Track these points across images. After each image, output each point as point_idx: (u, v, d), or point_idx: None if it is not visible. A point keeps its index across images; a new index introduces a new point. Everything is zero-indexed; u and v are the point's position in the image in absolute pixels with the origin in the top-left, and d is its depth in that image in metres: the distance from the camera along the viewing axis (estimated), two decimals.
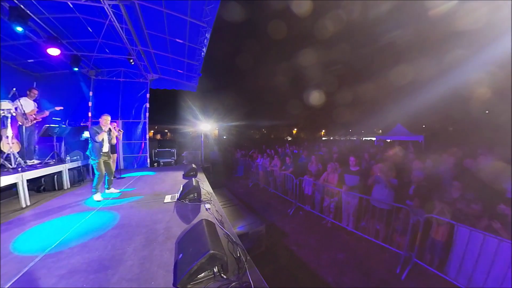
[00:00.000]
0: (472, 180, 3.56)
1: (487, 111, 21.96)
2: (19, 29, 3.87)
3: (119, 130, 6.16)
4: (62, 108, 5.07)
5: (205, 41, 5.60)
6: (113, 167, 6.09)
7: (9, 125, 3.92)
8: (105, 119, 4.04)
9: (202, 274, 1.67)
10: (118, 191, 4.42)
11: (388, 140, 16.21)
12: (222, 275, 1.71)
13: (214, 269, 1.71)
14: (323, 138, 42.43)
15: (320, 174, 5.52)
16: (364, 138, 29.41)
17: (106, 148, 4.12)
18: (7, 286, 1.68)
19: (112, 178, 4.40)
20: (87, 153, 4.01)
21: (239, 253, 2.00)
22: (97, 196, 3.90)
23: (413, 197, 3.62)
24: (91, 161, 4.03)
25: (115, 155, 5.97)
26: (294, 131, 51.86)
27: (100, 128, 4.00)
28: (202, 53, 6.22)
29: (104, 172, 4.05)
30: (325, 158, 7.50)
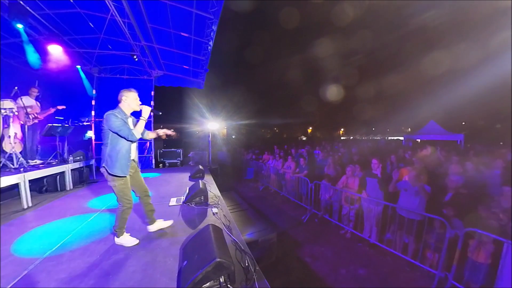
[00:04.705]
0: None
1: None
2: (19, 26, 4.12)
3: None
4: (64, 107, 5.33)
5: (211, 34, 5.67)
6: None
7: (11, 124, 4.18)
8: (132, 96, 2.59)
9: (208, 284, 1.68)
10: (170, 222, 2.95)
11: (418, 140, 15.53)
12: (228, 285, 1.71)
13: (220, 279, 1.71)
14: (342, 138, 41.56)
15: (339, 177, 5.40)
16: (390, 138, 28.47)
17: (134, 151, 2.56)
18: None
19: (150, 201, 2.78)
20: (103, 165, 2.38)
21: (248, 263, 2.00)
22: (126, 239, 2.46)
23: (449, 206, 3.41)
24: (114, 182, 2.36)
25: None
26: (309, 130, 51.26)
27: (124, 113, 2.47)
28: (209, 47, 6.31)
29: (132, 199, 2.47)
30: (344, 160, 7.32)
